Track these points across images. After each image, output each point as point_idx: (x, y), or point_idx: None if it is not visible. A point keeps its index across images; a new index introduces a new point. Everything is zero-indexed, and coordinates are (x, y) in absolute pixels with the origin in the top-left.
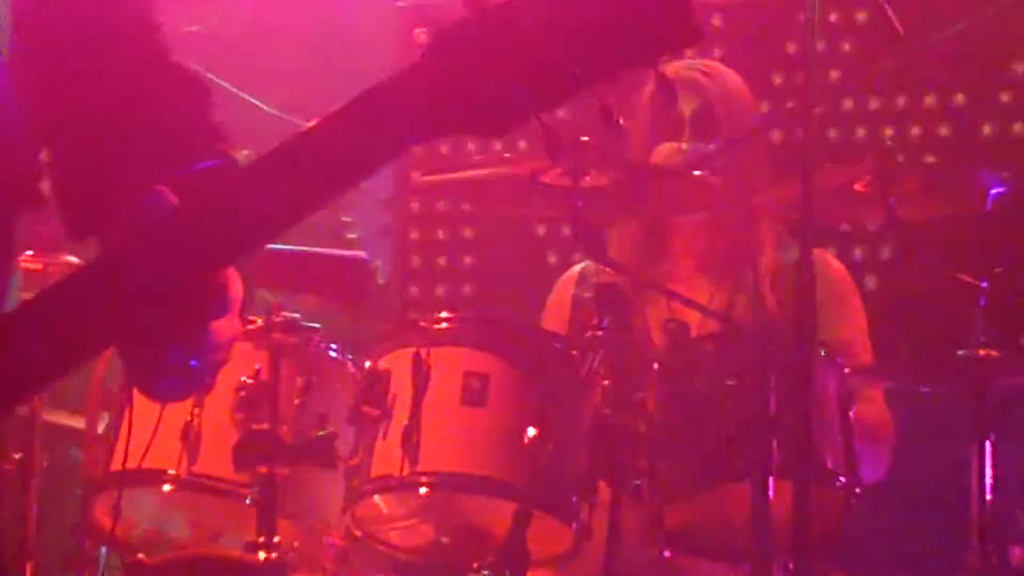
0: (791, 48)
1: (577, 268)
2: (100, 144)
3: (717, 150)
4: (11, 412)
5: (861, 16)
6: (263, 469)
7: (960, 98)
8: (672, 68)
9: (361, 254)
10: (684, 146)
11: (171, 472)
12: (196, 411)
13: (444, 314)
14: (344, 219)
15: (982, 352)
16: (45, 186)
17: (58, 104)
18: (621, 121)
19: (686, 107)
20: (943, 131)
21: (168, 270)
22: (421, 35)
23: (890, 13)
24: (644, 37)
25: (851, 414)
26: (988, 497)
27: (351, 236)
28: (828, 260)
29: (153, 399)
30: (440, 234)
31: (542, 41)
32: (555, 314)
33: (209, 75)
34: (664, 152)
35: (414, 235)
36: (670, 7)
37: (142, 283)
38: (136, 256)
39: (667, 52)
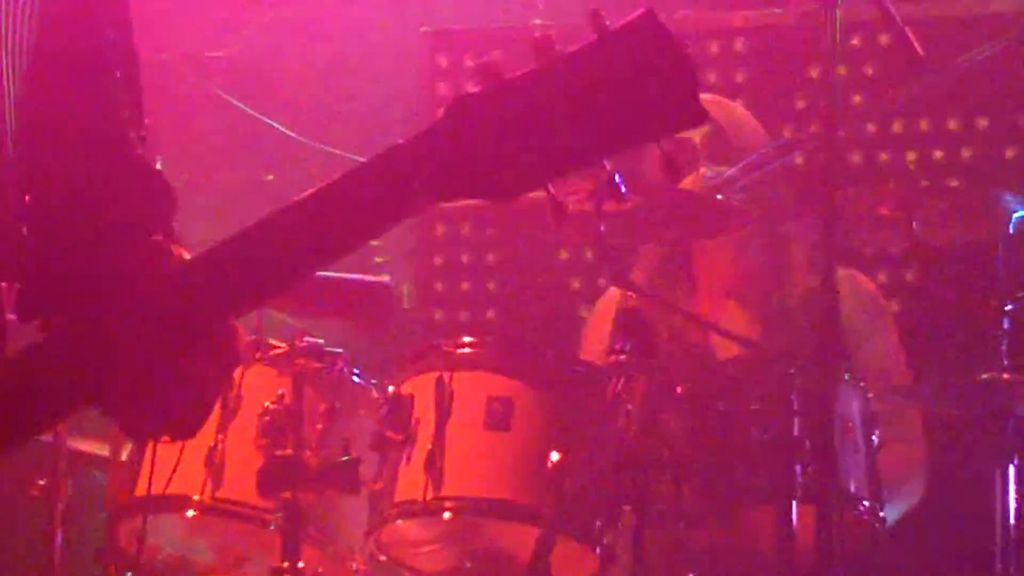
0: (814, 72)
1: (614, 292)
2: (65, 232)
3: (737, 174)
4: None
5: (883, 40)
6: (287, 494)
7: (983, 122)
8: None
9: (385, 279)
10: (703, 170)
11: (195, 498)
12: (220, 437)
13: (467, 339)
14: (371, 243)
15: (1006, 376)
16: None
17: (35, 188)
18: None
19: (696, 134)
20: (966, 154)
21: (182, 321)
22: (469, 62)
23: (911, 37)
24: (651, 117)
25: (874, 439)
26: (1012, 521)
27: (378, 260)
28: (859, 279)
29: (137, 436)
30: (464, 259)
31: (553, 115)
32: (593, 339)
33: (233, 101)
34: (687, 182)
35: (438, 260)
36: (676, 90)
37: (155, 334)
38: (148, 309)
39: (672, 132)
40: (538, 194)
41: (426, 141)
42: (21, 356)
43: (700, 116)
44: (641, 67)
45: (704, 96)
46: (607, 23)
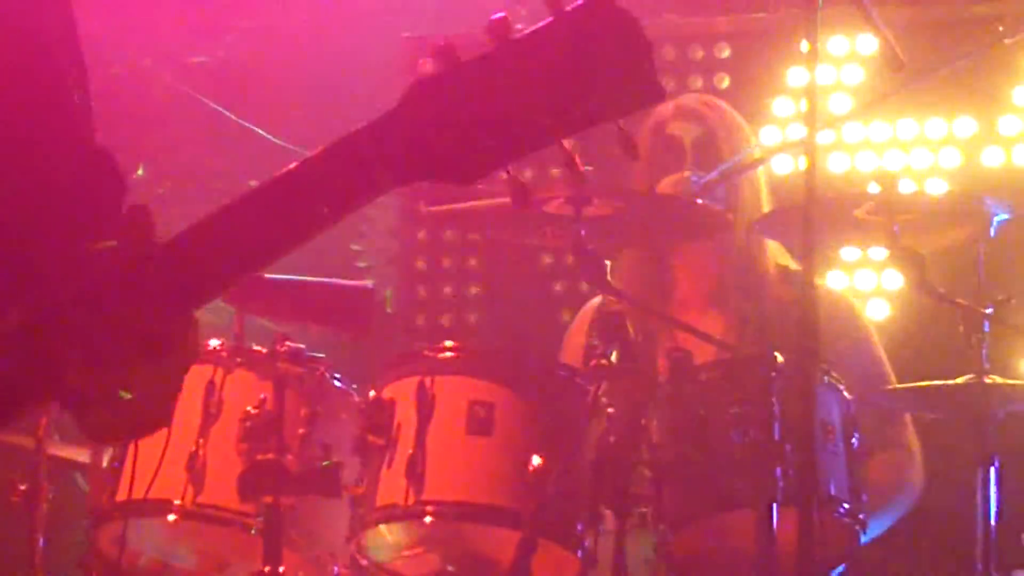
0: (796, 76)
1: (596, 300)
2: (17, 215)
3: (719, 178)
4: None
5: (866, 45)
6: (268, 499)
7: (965, 126)
8: (674, 99)
9: (367, 283)
10: (687, 173)
11: (176, 502)
12: (201, 441)
13: (448, 343)
14: (353, 248)
15: (986, 379)
16: None
17: None
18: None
19: (687, 135)
20: (948, 158)
21: (140, 312)
22: (426, 64)
23: (892, 42)
24: (608, 95)
25: (854, 441)
26: (993, 523)
27: (361, 265)
28: (836, 296)
29: (93, 437)
30: (446, 264)
31: (512, 96)
32: (573, 344)
33: (216, 107)
34: (667, 183)
35: (420, 264)
36: (633, 68)
37: (120, 320)
38: (117, 289)
39: (630, 110)
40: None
41: (385, 124)
42: None
43: (657, 93)
44: (597, 46)
45: (696, 97)
46: (562, 3)
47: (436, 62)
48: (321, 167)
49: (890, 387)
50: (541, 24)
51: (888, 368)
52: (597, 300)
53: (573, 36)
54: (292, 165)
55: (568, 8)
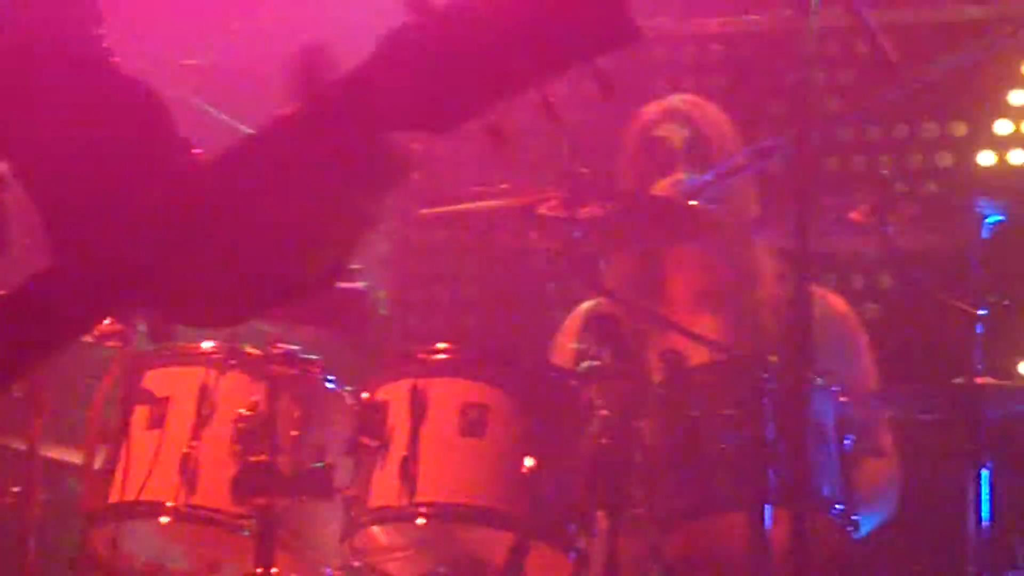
0: (790, 78)
1: (587, 304)
2: (56, 155)
3: (712, 180)
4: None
5: (860, 46)
6: (261, 501)
7: (958, 127)
8: (660, 101)
9: (360, 286)
10: (681, 175)
11: (169, 504)
12: (194, 443)
13: (441, 345)
14: None
15: (979, 380)
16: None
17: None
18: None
19: (677, 137)
20: (941, 160)
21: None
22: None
23: (884, 43)
24: (582, 36)
25: (847, 443)
26: (985, 525)
27: (353, 267)
28: (831, 300)
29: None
30: (440, 265)
31: (487, 40)
32: (562, 347)
33: (207, 107)
34: (661, 187)
35: (414, 266)
36: (607, 7)
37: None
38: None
39: (605, 50)
40: (512, 199)
41: (360, 74)
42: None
43: (633, 33)
44: None
45: (682, 98)
46: None
47: (409, 9)
48: (299, 121)
49: (882, 389)
50: None
51: (875, 377)
52: (588, 304)
53: None
54: (268, 121)
55: None
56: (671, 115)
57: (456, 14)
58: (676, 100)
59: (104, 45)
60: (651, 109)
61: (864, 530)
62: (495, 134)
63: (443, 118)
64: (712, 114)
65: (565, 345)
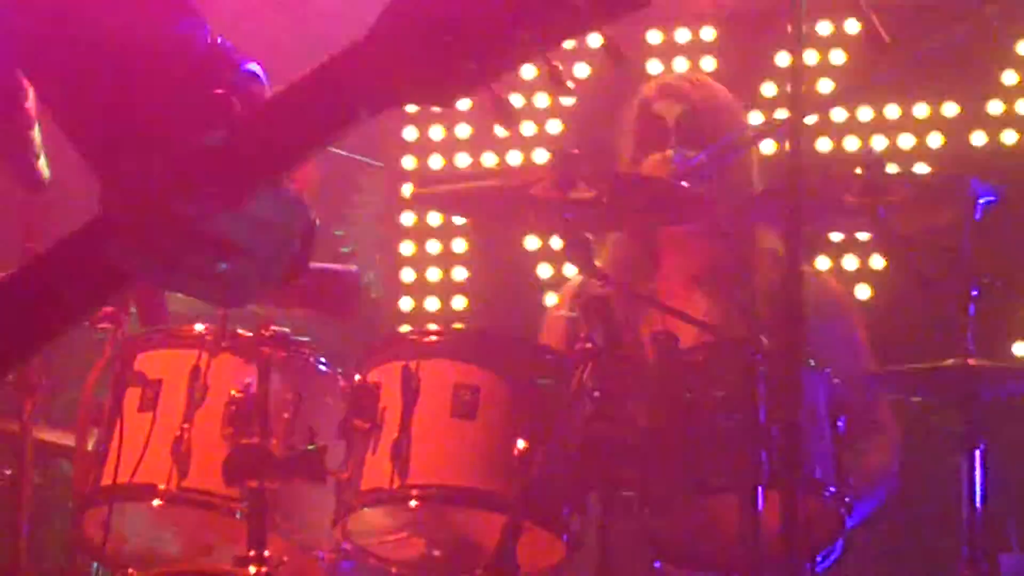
0: (782, 59)
1: (576, 282)
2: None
3: (704, 161)
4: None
5: (852, 27)
6: (253, 483)
7: (951, 108)
8: (660, 78)
9: (352, 268)
10: (669, 153)
11: (161, 487)
12: (186, 426)
13: (433, 327)
14: (336, 233)
15: (972, 361)
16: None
17: (30, 30)
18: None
19: (669, 113)
20: (934, 141)
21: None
22: None
23: (876, 22)
24: (587, 2)
25: (840, 425)
26: (979, 506)
27: (345, 250)
28: (826, 281)
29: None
30: (432, 247)
31: (488, 11)
32: (554, 322)
33: None
34: (651, 163)
35: (405, 248)
36: None
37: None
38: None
39: (611, 17)
40: (504, 181)
41: (362, 49)
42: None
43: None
44: None
45: (681, 75)
46: None
47: None
48: (300, 95)
49: (875, 370)
50: None
51: (869, 359)
52: (579, 279)
53: None
54: (271, 95)
55: None
56: (668, 92)
57: None
58: (674, 77)
59: None
60: (650, 86)
61: (865, 510)
62: (503, 110)
63: (445, 90)
64: (710, 92)
65: (557, 320)
